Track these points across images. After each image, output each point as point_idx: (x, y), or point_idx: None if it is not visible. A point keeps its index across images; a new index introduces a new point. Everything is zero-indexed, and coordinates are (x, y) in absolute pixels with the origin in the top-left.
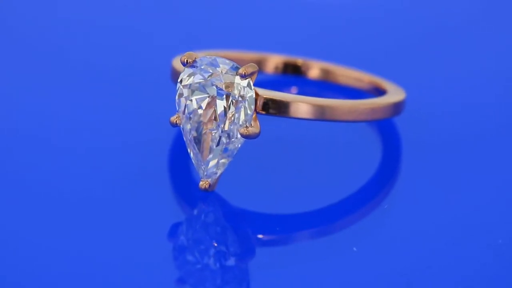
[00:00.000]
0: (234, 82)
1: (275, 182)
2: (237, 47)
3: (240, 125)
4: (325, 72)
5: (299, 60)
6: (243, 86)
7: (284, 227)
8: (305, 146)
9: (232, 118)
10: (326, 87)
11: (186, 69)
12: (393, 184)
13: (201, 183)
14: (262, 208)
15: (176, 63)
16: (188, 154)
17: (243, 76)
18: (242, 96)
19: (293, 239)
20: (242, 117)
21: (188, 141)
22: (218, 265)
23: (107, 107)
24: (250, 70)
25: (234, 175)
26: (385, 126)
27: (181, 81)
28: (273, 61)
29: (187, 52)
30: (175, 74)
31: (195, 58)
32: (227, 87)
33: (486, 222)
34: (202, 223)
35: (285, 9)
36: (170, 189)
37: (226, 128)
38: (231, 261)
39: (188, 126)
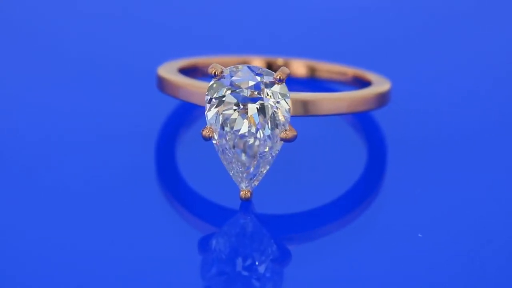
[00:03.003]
0: (266, 89)
1: (265, 184)
2: (218, 52)
3: (278, 130)
4: (309, 69)
5: (280, 60)
6: (277, 91)
7: (283, 227)
8: (288, 144)
9: (269, 124)
10: (311, 84)
11: (214, 80)
12: (381, 181)
13: (242, 193)
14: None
15: (162, 71)
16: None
17: (279, 81)
18: (277, 101)
19: (292, 240)
20: (280, 121)
21: (224, 152)
22: (257, 271)
23: (93, 113)
24: (284, 74)
25: (214, 176)
26: (371, 120)
27: (210, 93)
28: (256, 63)
29: (213, 64)
30: (161, 82)
31: (221, 69)
32: (261, 93)
33: (477, 218)
34: (233, 231)
35: (261, 10)
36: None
37: (264, 135)
38: (269, 267)
39: (223, 138)
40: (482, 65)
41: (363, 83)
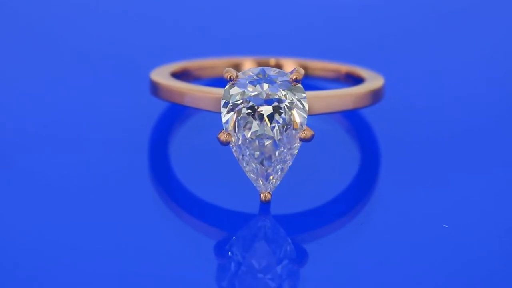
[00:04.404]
0: (284, 89)
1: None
2: (208, 54)
3: (296, 130)
4: (302, 67)
5: (272, 60)
6: (293, 92)
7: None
8: None
9: (286, 125)
10: (303, 82)
11: (229, 85)
12: (376, 179)
13: (262, 195)
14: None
15: (154, 76)
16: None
17: (296, 81)
18: (294, 102)
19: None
20: (298, 121)
21: (243, 156)
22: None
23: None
24: (300, 75)
25: (200, 177)
26: (362, 118)
27: (225, 97)
28: (248, 64)
29: (227, 68)
30: (154, 87)
31: (236, 73)
32: (277, 95)
33: (475, 216)
34: (248, 233)
35: (250, 11)
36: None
37: (281, 136)
38: (286, 267)
39: (240, 141)
40: (476, 61)
41: (356, 80)
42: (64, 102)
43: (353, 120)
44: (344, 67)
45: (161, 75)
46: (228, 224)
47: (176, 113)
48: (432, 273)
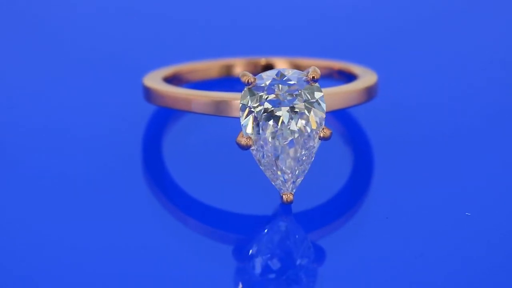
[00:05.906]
0: (303, 89)
1: (258, 186)
2: (198, 57)
3: (315, 130)
4: (293, 66)
5: (263, 60)
6: (312, 91)
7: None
8: None
9: (305, 125)
10: None
11: (247, 88)
12: (369, 183)
13: (284, 196)
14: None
15: (147, 81)
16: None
17: (314, 81)
18: (312, 101)
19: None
20: (317, 120)
21: (264, 158)
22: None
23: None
24: (318, 74)
25: (190, 178)
26: (354, 117)
27: (244, 101)
28: (239, 65)
29: (243, 72)
30: (147, 92)
31: (254, 77)
32: (297, 95)
33: (473, 215)
34: (265, 234)
35: (239, 11)
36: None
37: (300, 136)
38: (304, 267)
39: (260, 144)
40: (471, 58)
41: (349, 77)
42: (59, 103)
43: (346, 117)
44: (337, 64)
45: (154, 81)
46: (231, 226)
47: (167, 115)
48: (431, 271)
